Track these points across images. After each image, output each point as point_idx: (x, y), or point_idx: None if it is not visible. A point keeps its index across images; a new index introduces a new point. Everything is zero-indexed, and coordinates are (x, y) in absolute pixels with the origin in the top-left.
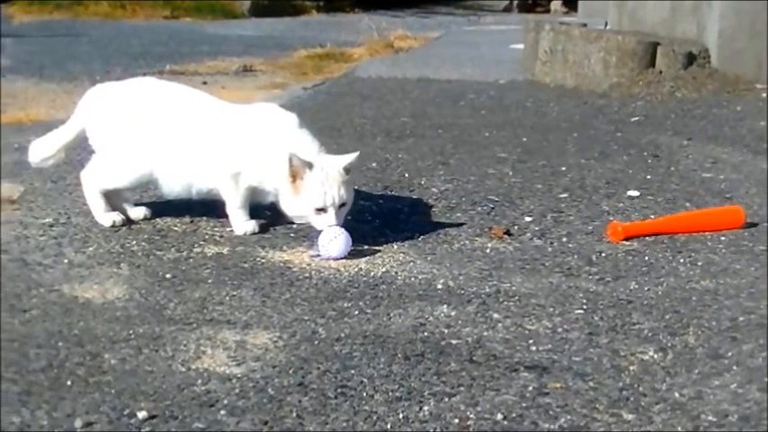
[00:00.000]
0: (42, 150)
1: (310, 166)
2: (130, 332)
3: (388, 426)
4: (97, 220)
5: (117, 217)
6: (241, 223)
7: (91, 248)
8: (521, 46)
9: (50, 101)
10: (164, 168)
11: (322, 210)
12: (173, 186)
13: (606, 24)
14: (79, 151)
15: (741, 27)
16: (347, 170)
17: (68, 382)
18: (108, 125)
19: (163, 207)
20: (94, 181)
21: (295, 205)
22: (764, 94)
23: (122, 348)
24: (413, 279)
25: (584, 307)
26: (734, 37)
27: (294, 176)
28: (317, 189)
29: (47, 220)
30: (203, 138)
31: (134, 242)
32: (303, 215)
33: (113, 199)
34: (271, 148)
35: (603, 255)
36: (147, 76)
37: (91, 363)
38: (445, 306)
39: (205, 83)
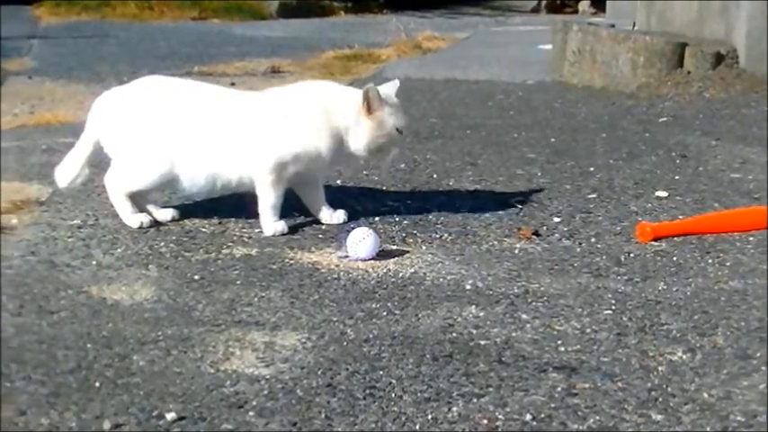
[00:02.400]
0: (67, 173)
1: (382, 94)
2: (159, 333)
3: (417, 427)
4: (125, 222)
5: (144, 218)
6: (271, 223)
7: (119, 250)
8: (549, 47)
9: (78, 102)
10: (187, 163)
11: (399, 131)
12: (196, 180)
13: (634, 25)
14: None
15: None
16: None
17: (97, 384)
18: (122, 129)
19: (191, 208)
20: (117, 184)
21: (375, 134)
22: None
23: (151, 350)
24: (441, 280)
25: (613, 307)
26: (762, 37)
27: (369, 108)
28: (398, 112)
29: (75, 221)
30: (237, 128)
31: (162, 244)
32: (382, 142)
33: (139, 201)
34: (332, 101)
35: (632, 255)
36: (175, 76)
37: (119, 364)
38: (474, 307)
39: (233, 84)
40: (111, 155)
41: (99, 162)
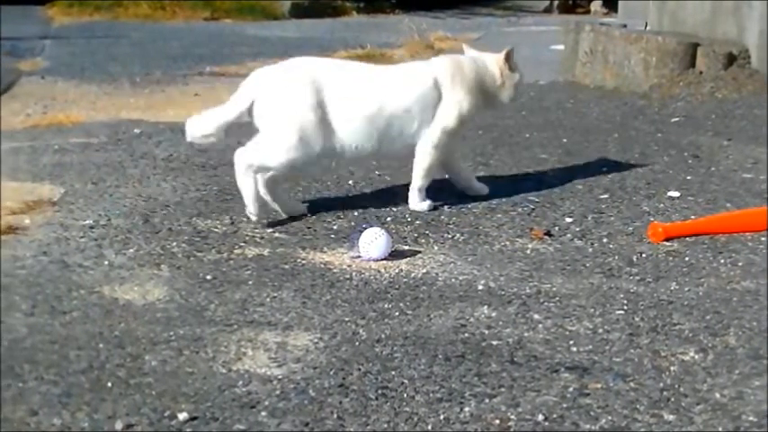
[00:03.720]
0: (201, 127)
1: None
2: (171, 334)
3: (429, 427)
4: (246, 205)
5: (262, 213)
6: (420, 200)
7: (131, 250)
8: (561, 47)
9: (90, 102)
10: (349, 135)
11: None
12: (360, 150)
13: (646, 25)
14: (119, 153)
15: None
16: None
17: (109, 384)
18: (280, 102)
19: (202, 207)
20: (255, 161)
21: (515, 84)
22: None
23: (163, 350)
24: (453, 280)
25: (625, 308)
26: None
27: (510, 66)
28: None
29: (87, 221)
30: (400, 100)
31: (174, 244)
32: (521, 90)
33: (273, 187)
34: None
35: (644, 255)
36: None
37: (131, 364)
38: (486, 307)
39: None
40: (261, 126)
41: (112, 161)
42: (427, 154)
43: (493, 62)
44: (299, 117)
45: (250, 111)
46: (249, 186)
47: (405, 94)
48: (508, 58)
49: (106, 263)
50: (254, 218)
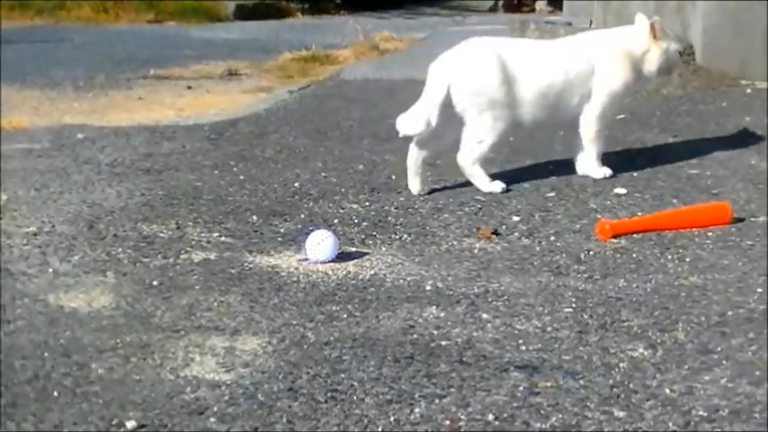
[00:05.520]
0: (414, 124)
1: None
2: (118, 341)
3: (380, 429)
4: (489, 189)
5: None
6: (600, 167)
7: (76, 257)
8: None
9: (33, 108)
10: (535, 107)
11: (680, 53)
12: (537, 119)
13: (591, 23)
14: (63, 158)
15: (725, 24)
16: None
17: (55, 393)
18: (473, 88)
19: (147, 212)
20: (476, 153)
21: (662, 52)
22: (749, 90)
23: (110, 358)
24: (401, 281)
25: (574, 305)
26: (718, 34)
27: (656, 35)
28: (674, 39)
29: (30, 228)
30: (574, 74)
31: (120, 250)
32: (669, 62)
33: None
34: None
35: (592, 253)
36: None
37: (78, 373)
38: (434, 307)
39: (190, 87)
40: (464, 113)
41: (55, 168)
42: (592, 121)
43: (639, 34)
44: (503, 92)
45: (448, 96)
46: (481, 175)
47: (576, 69)
48: (653, 28)
49: (51, 270)
50: (499, 191)
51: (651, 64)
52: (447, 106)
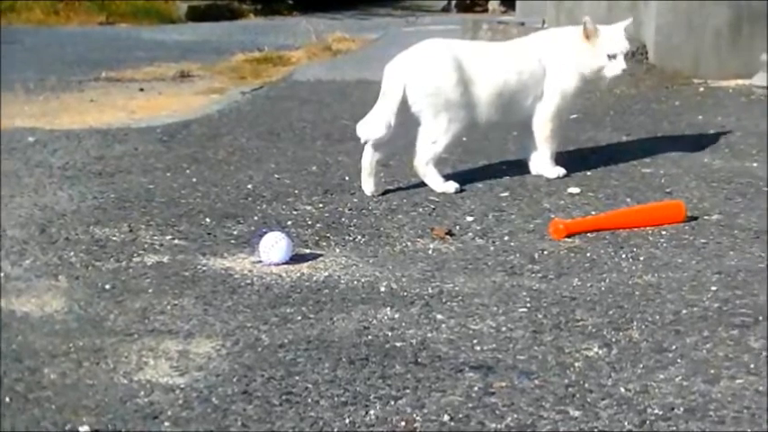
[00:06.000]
0: (374, 129)
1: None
2: (70, 345)
3: (335, 431)
4: (442, 190)
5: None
6: (553, 166)
7: (28, 261)
8: None
9: None
10: (486, 109)
11: (613, 57)
12: (491, 121)
13: (543, 23)
14: (14, 162)
15: (678, 23)
16: (627, 30)
17: (7, 399)
18: (430, 86)
19: (100, 216)
20: (431, 153)
21: (591, 57)
22: (702, 89)
23: (62, 362)
24: (355, 282)
25: (528, 305)
26: (671, 33)
27: (588, 35)
28: (614, 41)
29: None
30: (525, 75)
31: (72, 253)
32: (599, 65)
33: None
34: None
35: (546, 252)
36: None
37: (30, 378)
38: (388, 309)
39: (142, 89)
40: (419, 114)
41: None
42: (545, 122)
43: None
44: (456, 93)
45: (404, 97)
46: (434, 176)
47: (527, 70)
48: (586, 26)
49: (2, 275)
50: (453, 191)
51: (584, 66)
52: (403, 107)
